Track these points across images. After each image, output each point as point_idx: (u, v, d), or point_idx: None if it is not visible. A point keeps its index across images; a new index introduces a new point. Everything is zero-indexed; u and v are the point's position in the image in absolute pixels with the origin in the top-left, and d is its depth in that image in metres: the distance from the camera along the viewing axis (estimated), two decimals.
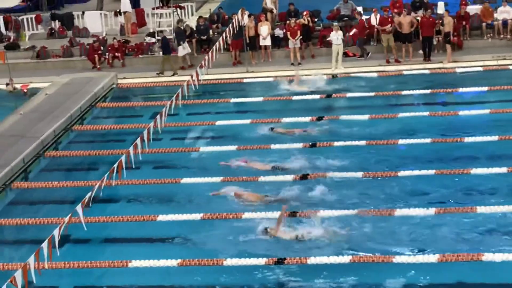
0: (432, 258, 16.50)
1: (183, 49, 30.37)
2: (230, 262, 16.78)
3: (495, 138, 21.86)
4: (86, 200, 16.94)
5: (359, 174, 20.39)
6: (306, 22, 30.39)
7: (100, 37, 32.84)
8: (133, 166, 19.35)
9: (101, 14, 35.01)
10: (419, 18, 29.73)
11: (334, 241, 17.54)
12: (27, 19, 35.14)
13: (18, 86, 29.39)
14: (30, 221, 19.09)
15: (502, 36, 30.10)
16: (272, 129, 23.92)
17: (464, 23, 30.07)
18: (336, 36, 29.10)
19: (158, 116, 21.50)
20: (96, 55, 31.14)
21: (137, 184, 20.55)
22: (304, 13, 30.84)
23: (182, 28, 30.84)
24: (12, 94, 29.06)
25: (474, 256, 16.37)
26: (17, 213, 19.91)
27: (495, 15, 30.40)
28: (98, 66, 31.02)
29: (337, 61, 29.12)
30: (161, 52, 31.47)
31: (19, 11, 36.53)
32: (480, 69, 28.10)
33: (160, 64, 30.36)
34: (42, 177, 21.96)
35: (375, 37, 30.55)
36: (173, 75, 29.89)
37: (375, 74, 28.51)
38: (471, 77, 27.55)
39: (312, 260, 16.71)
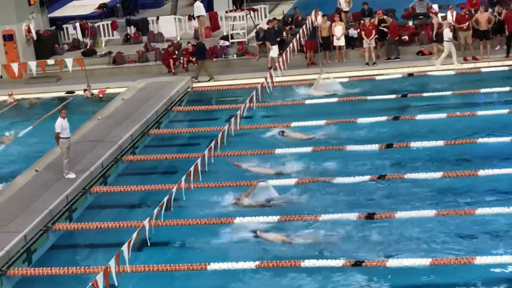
0: None
1: (276, 49, 30.23)
2: (308, 263, 16.68)
3: None
4: (164, 204, 17.07)
5: (438, 175, 20.07)
6: (376, 22, 29.98)
7: (175, 41, 33.12)
8: (206, 170, 19.43)
9: (175, 18, 35.32)
10: (496, 14, 29.13)
11: (326, 245, 17.37)
12: (103, 25, 35.69)
13: (95, 91, 29.88)
14: (109, 224, 19.34)
15: None
16: (282, 133, 23.77)
17: None
18: (450, 34, 28.47)
19: (233, 119, 21.54)
20: (171, 60, 31.40)
21: (212, 187, 20.63)
22: (378, 12, 30.50)
23: (274, 28, 30.79)
24: (89, 100, 29.56)
25: None
26: (97, 217, 20.20)
27: None
28: (173, 71, 31.28)
29: (451, 57, 28.50)
30: (235, 55, 31.67)
31: (95, 18, 37.13)
32: None
33: (197, 70, 30.41)
34: (120, 181, 22.22)
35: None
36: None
37: (452, 72, 28.07)
38: None
39: (391, 263, 16.49)
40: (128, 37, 35.16)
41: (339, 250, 17.31)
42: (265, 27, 31.50)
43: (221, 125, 23.12)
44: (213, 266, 16.95)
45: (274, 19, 32.22)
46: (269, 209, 19.39)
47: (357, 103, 26.20)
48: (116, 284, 14.94)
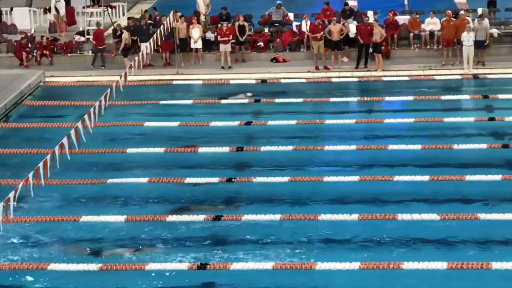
0: None
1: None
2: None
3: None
4: (10, 199, 16.77)
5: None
6: (237, 28, 30.37)
7: (28, 34, 32.41)
8: (58, 166, 19.19)
9: (30, 10, 34.55)
10: (353, 26, 30.13)
11: None
12: None
13: None
14: None
15: (428, 46, 30.70)
16: None
17: (392, 33, 30.55)
18: (467, 38, 28.71)
19: (86, 116, 21.35)
20: (23, 52, 30.70)
21: (65, 184, 20.42)
22: (239, 17, 30.87)
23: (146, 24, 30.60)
24: None
25: None
26: None
27: (423, 26, 30.96)
28: (26, 64, 30.60)
29: (469, 63, 28.79)
30: (90, 51, 31.36)
31: None
32: (407, 78, 28.69)
33: None
34: None
35: (305, 44, 30.90)
36: None
37: (304, 80, 28.88)
38: (398, 86, 28.14)
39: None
40: None
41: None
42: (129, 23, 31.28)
43: (74, 121, 22.77)
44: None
45: (130, 18, 32.08)
46: None
47: (212, 106, 26.54)
48: None
